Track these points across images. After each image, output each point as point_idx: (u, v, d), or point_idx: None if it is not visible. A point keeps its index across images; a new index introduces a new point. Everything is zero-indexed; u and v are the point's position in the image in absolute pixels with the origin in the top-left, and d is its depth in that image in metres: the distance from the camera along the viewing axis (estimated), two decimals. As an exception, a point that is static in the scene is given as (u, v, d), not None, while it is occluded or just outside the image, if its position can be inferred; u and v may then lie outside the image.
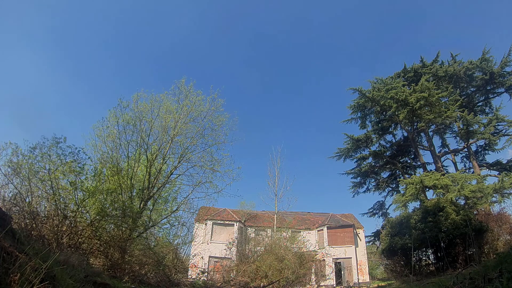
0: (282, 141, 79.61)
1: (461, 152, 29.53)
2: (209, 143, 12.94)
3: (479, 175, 24.92)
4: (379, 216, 32.71)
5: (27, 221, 7.27)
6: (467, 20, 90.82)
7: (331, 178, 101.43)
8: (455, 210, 18.05)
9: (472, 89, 28.85)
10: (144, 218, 11.12)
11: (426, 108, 25.41)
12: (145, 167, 11.46)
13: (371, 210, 33.01)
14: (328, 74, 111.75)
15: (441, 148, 30.53)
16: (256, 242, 20.38)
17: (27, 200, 7.86)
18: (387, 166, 31.74)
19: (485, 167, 27.72)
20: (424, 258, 20.18)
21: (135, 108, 11.67)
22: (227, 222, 28.86)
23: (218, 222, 28.89)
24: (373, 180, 32.85)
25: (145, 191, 11.10)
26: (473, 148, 28.20)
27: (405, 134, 30.38)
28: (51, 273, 3.57)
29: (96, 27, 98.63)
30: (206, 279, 13.82)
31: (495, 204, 21.29)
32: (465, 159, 30.00)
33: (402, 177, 29.19)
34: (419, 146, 29.30)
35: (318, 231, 30.81)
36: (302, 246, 20.06)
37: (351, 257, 28.24)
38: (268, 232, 25.84)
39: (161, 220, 12.25)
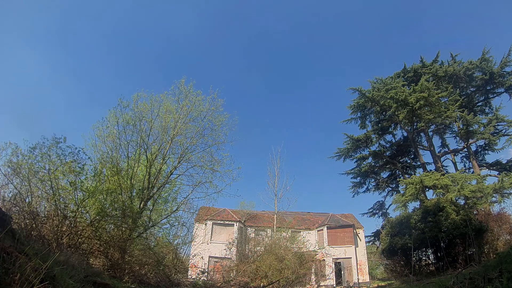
0: (282, 141, 79.52)
1: (461, 152, 29.53)
2: (209, 143, 12.97)
3: (479, 175, 24.92)
4: (379, 216, 32.73)
5: (27, 221, 7.27)
6: (467, 20, 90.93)
7: (331, 178, 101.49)
8: (455, 210, 18.06)
9: (472, 89, 28.84)
10: (144, 218, 11.12)
11: (426, 108, 25.41)
12: (145, 167, 11.46)
13: (371, 210, 33.01)
14: (328, 74, 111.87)
15: (441, 148, 30.54)
16: (256, 242, 20.37)
17: (27, 200, 7.87)
18: (387, 166, 31.73)
19: (485, 167, 27.72)
20: (424, 258, 20.20)
21: (135, 108, 11.69)
22: (227, 222, 28.85)
23: (218, 222, 28.88)
24: (373, 180, 32.85)
25: (145, 191, 11.10)
26: (473, 148, 28.21)
27: (405, 134, 30.39)
28: (51, 273, 3.57)
29: (96, 27, 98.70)
30: (206, 279, 13.81)
31: (495, 204, 21.30)
32: (465, 159, 30.01)
33: (402, 177, 29.18)
34: (419, 146, 29.31)
35: (318, 231, 30.81)
36: (302, 246, 20.04)
37: (351, 257, 28.23)
38: (268, 232, 25.84)
39: (161, 220, 12.26)
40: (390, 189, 32.64)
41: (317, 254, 23.03)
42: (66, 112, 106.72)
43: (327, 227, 29.96)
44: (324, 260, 25.91)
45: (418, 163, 30.50)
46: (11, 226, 4.36)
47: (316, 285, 21.11)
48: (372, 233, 32.14)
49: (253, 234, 27.73)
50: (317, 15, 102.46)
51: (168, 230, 13.14)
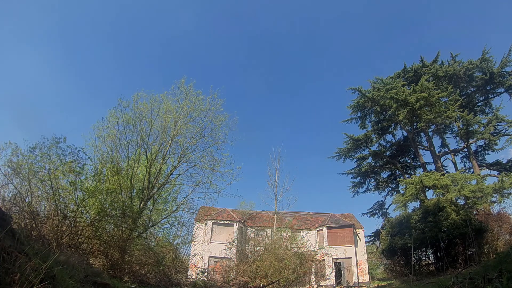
0: (282, 141, 79.62)
1: (461, 152, 29.54)
2: (209, 143, 12.98)
3: (479, 175, 24.93)
4: (379, 216, 32.74)
5: (27, 221, 7.27)
6: (467, 20, 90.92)
7: (331, 178, 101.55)
8: (455, 210, 18.05)
9: (472, 89, 28.85)
10: (144, 218, 11.12)
11: (426, 108, 25.41)
12: (145, 167, 11.46)
13: (371, 210, 33.02)
14: (328, 74, 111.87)
15: (441, 148, 30.55)
16: (256, 242, 20.37)
17: (27, 200, 7.86)
18: (387, 166, 31.73)
19: (485, 167, 27.72)
20: (424, 258, 20.19)
21: (135, 108, 11.68)
22: (227, 222, 28.85)
23: (218, 222, 28.87)
24: (373, 180, 32.86)
25: (145, 191, 11.10)
26: (473, 148, 28.22)
27: (405, 134, 30.40)
28: (51, 273, 3.57)
29: (96, 27, 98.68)
30: (206, 279, 13.81)
31: (495, 204, 21.31)
32: (465, 159, 30.02)
33: (402, 177, 29.18)
34: (419, 146, 29.30)
35: (318, 231, 30.81)
36: (302, 246, 20.05)
37: (351, 257, 28.24)
38: (268, 232, 25.83)
39: (161, 220, 12.25)
40: (390, 189, 32.66)
41: (317, 254, 23.04)
42: (66, 112, 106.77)
43: (327, 227, 29.96)
44: (324, 260, 25.92)
45: (418, 163, 30.51)
46: (11, 226, 4.36)
47: (316, 285, 21.13)
48: (372, 233, 32.21)
49: (253, 234, 27.73)
50: (317, 15, 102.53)
51: (168, 230, 13.14)
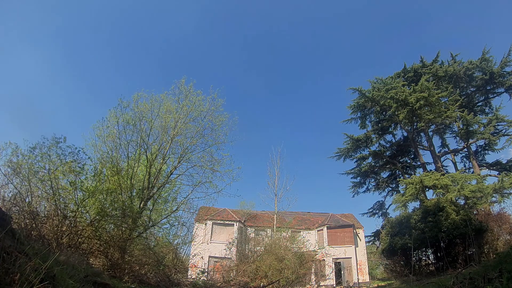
0: (282, 141, 79.48)
1: (461, 152, 29.53)
2: (209, 143, 12.99)
3: (479, 175, 24.92)
4: (379, 216, 32.74)
5: (27, 221, 7.27)
6: (467, 20, 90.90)
7: (331, 178, 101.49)
8: (455, 210, 18.06)
9: (472, 89, 28.84)
10: (144, 218, 11.12)
11: (426, 108, 25.41)
12: (145, 167, 11.47)
13: (371, 210, 33.02)
14: (328, 74, 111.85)
15: (441, 148, 30.54)
16: (256, 242, 20.37)
17: (27, 200, 7.86)
18: (387, 166, 31.74)
19: (485, 167, 27.72)
20: (424, 258, 20.21)
21: (135, 108, 11.69)
22: (227, 222, 28.85)
23: (218, 222, 28.87)
24: (373, 180, 32.86)
25: (145, 191, 11.11)
26: (473, 148, 28.20)
27: (405, 134, 30.39)
28: (51, 273, 3.57)
29: (97, 26, 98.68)
30: (206, 279, 13.81)
31: (495, 204, 21.29)
32: (465, 159, 30.00)
33: (402, 177, 29.17)
34: (419, 146, 29.31)
35: (318, 231, 30.81)
36: (302, 246, 20.05)
37: (351, 257, 28.24)
38: (268, 232, 25.82)
39: (161, 220, 12.25)
40: (390, 189, 32.66)
41: (317, 254, 23.05)
42: (66, 112, 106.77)
43: (327, 227, 29.96)
44: (324, 260, 25.92)
45: (418, 163, 30.51)
46: (11, 226, 4.36)
47: (316, 285, 21.13)
48: (372, 233, 32.19)
49: (253, 234, 27.71)
50: (317, 15, 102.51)
51: (168, 230, 13.13)
